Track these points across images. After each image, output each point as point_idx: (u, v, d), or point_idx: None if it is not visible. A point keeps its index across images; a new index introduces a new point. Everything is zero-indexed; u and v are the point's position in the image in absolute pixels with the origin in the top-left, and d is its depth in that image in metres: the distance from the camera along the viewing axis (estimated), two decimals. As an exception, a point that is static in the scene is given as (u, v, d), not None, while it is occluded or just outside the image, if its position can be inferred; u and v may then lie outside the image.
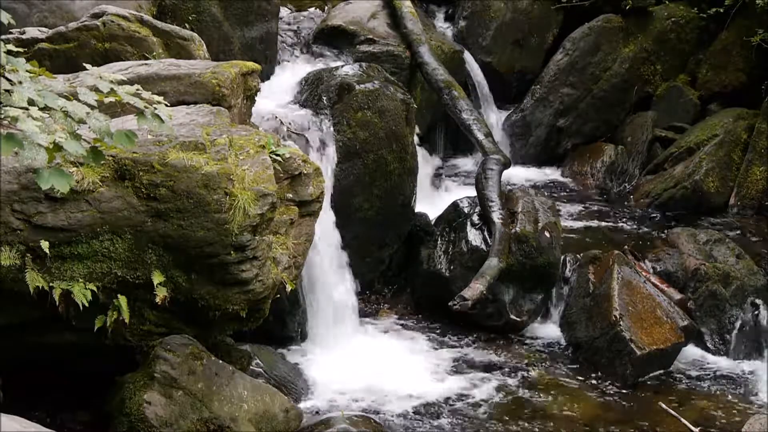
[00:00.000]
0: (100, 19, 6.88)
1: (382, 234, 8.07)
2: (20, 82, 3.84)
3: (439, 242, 8.08)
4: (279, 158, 5.77)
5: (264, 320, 5.84)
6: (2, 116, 3.70)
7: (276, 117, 7.50)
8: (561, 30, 10.93)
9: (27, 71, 3.96)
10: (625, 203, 9.97)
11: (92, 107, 3.95)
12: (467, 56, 10.57)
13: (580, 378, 7.25)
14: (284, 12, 9.98)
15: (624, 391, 7.10)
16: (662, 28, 10.75)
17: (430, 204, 8.70)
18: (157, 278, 5.16)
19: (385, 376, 6.96)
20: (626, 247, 8.27)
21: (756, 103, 9.99)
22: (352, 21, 9.84)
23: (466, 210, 8.08)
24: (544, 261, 7.78)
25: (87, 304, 5.04)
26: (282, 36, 9.59)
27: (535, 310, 7.91)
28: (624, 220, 9.48)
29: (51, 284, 5.00)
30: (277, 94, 8.22)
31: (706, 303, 7.78)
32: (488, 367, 7.30)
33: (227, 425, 5.55)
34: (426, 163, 9.49)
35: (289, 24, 10.02)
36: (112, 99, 4.10)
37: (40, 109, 3.78)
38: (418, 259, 8.16)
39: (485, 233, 7.81)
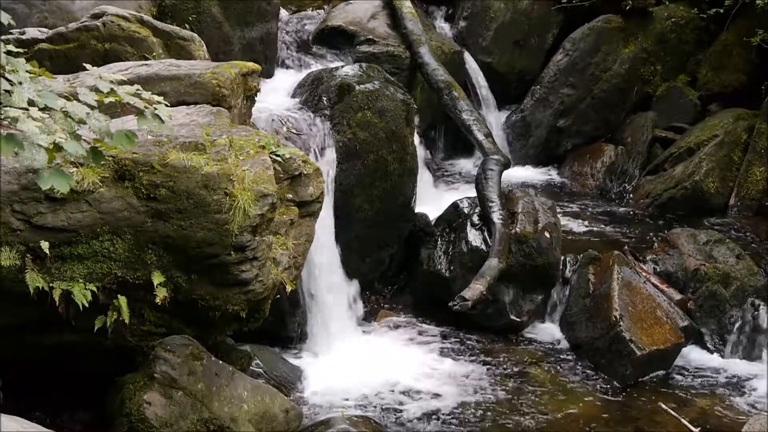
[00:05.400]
0: (100, 19, 6.87)
1: (382, 234, 8.07)
2: (20, 83, 3.84)
3: (439, 243, 8.07)
4: (279, 159, 5.77)
5: (264, 321, 5.83)
6: (2, 117, 3.70)
7: (276, 117, 7.50)
8: (561, 30, 10.93)
9: (27, 72, 3.96)
10: (625, 204, 9.97)
11: (92, 107, 3.96)
12: (467, 56, 10.57)
13: (581, 378, 7.25)
14: (284, 13, 9.97)
15: (624, 391, 7.10)
16: (662, 28, 10.75)
17: (430, 204, 8.70)
18: (157, 279, 5.15)
19: (385, 376, 6.97)
20: (626, 247, 8.27)
21: (756, 103, 9.99)
22: (352, 21, 9.84)
23: (466, 210, 8.08)
24: (544, 261, 7.78)
25: (87, 305, 5.03)
26: (282, 36, 9.58)
27: (535, 310, 7.91)
28: (624, 220, 9.48)
29: (51, 285, 4.99)
30: (277, 95, 8.22)
31: (706, 303, 7.78)
32: (488, 368, 7.30)
33: (227, 426, 5.55)
34: (425, 164, 9.48)
35: (289, 24, 10.01)
36: (112, 99, 4.10)
37: (40, 109, 3.78)
38: (418, 259, 8.16)
39: (485, 234, 7.81)
